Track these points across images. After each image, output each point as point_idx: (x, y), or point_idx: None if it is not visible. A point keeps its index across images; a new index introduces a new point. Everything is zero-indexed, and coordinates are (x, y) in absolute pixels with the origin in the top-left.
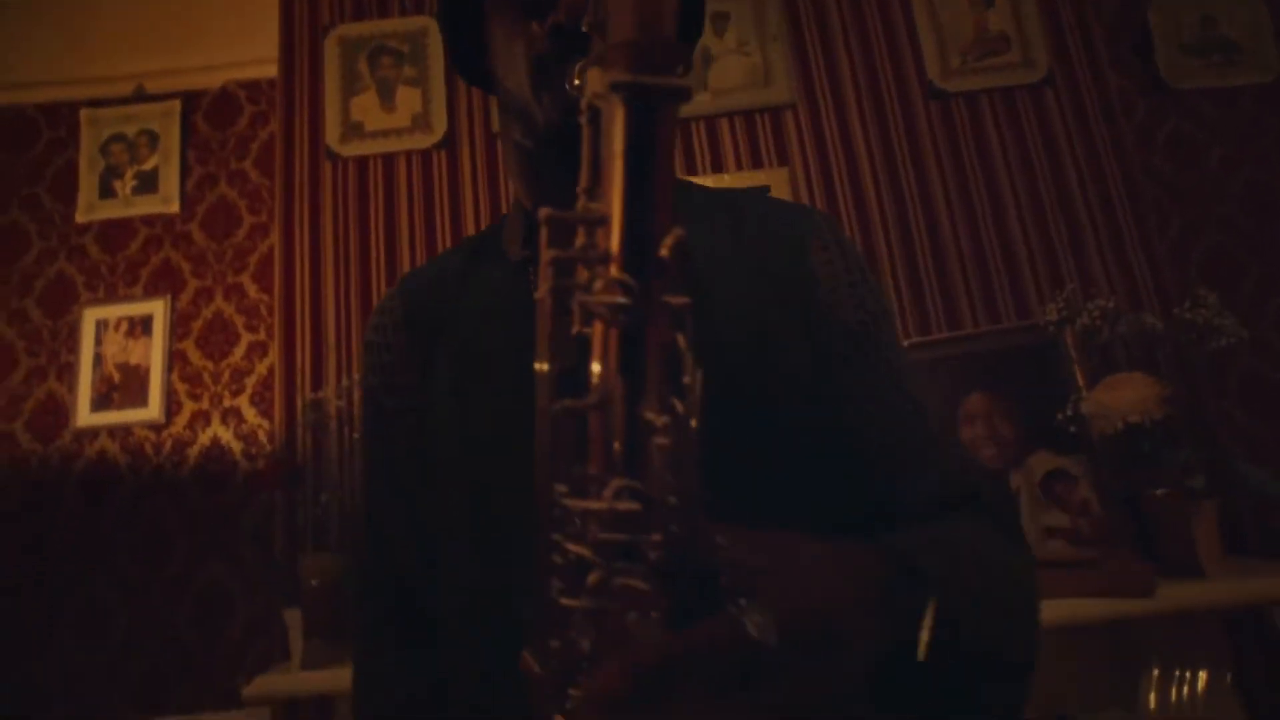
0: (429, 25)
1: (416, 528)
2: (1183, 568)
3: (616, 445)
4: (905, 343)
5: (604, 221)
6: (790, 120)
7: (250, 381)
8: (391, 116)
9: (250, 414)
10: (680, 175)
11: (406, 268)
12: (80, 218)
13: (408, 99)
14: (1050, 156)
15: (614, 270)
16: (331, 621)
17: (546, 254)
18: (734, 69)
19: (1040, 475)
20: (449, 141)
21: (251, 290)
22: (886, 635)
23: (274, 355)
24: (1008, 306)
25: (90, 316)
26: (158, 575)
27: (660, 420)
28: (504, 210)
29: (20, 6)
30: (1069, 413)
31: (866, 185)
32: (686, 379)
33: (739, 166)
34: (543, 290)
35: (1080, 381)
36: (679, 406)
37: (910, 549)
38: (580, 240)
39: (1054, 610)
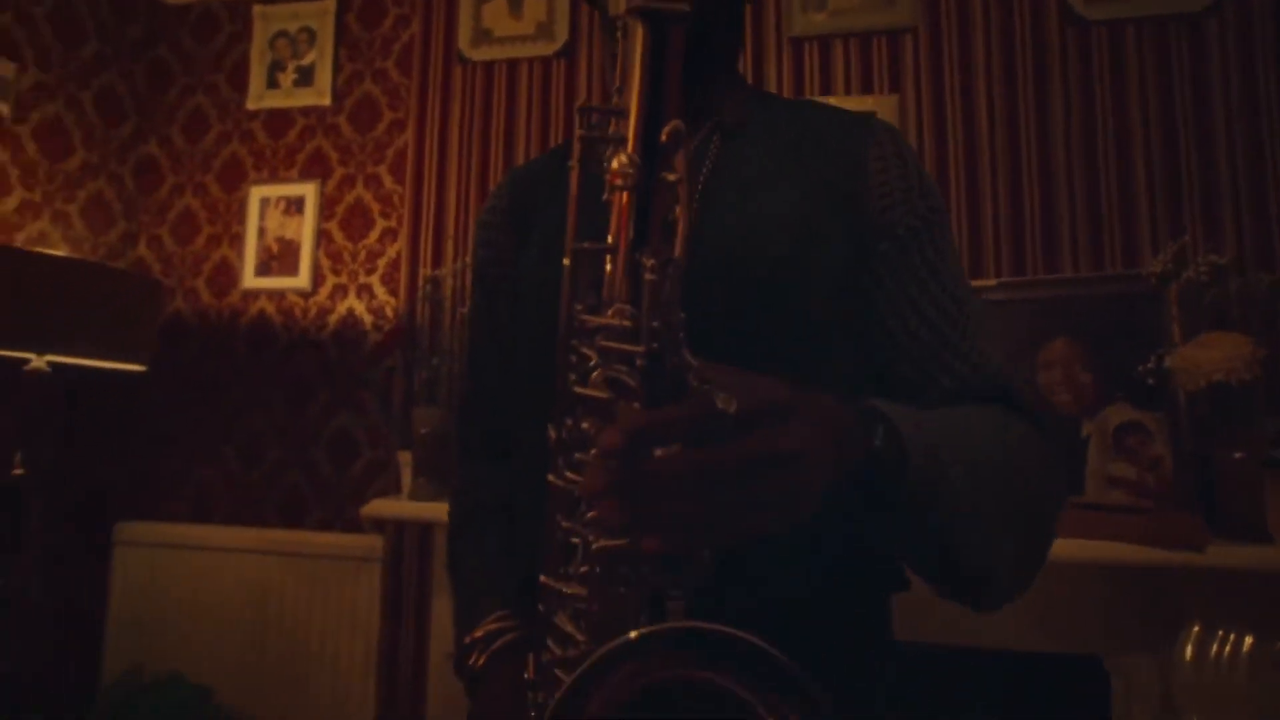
0: None
1: (505, 371)
2: (1249, 532)
3: (620, 279)
4: (993, 281)
5: (624, 114)
6: (909, 44)
7: (381, 263)
8: (518, 23)
9: (380, 291)
10: (789, 96)
11: None
12: (250, 105)
13: (534, 7)
14: (1197, 96)
15: (627, 150)
16: (436, 463)
17: (577, 133)
18: None
19: (1114, 425)
20: (569, 51)
21: (387, 181)
22: (844, 461)
23: (401, 237)
24: (1115, 254)
25: (256, 194)
26: (301, 416)
27: (649, 263)
28: None
29: None
30: (1150, 365)
31: (980, 117)
32: (679, 236)
33: (848, 90)
34: (574, 161)
35: (1177, 339)
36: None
37: (890, 408)
38: (611, 128)
39: (1099, 551)
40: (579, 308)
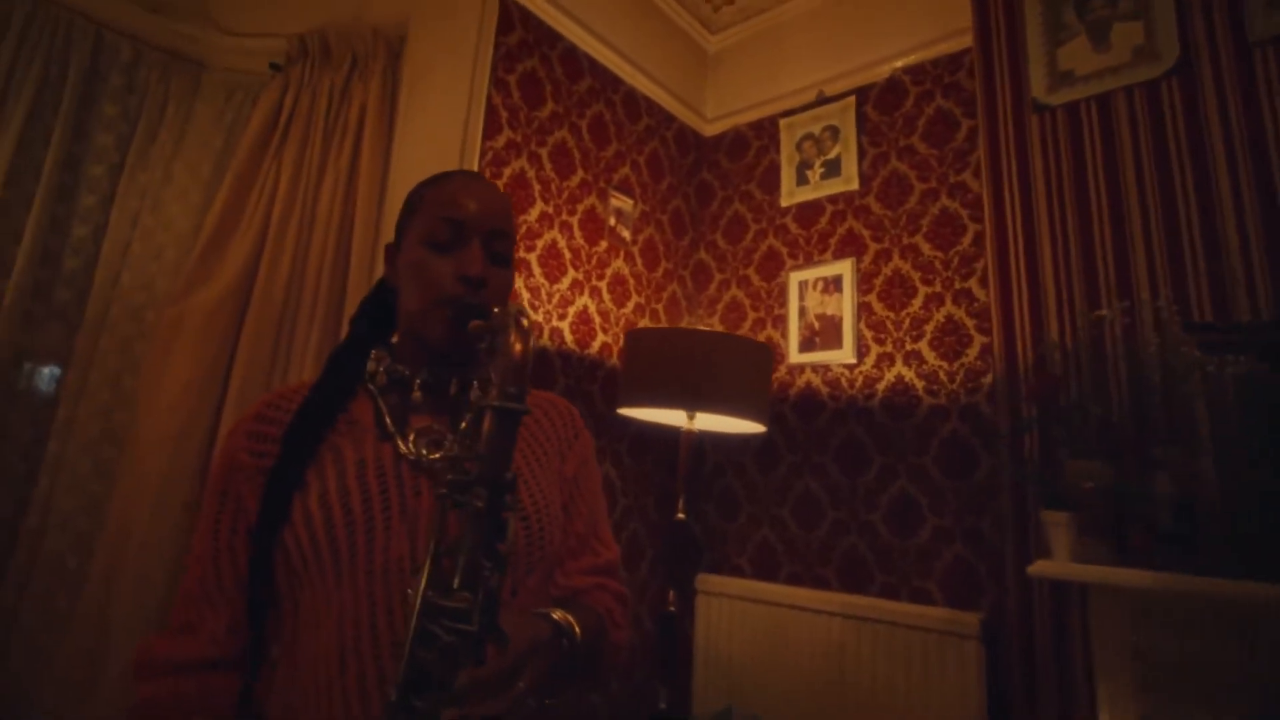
0: None
1: None
2: None
3: None
4: None
5: None
6: None
7: (929, 328)
8: (1106, 56)
9: (930, 356)
10: None
11: (1133, 207)
12: (783, 203)
13: (1125, 34)
14: None
15: None
16: (1101, 521)
17: None
18: None
19: None
20: (1183, 66)
21: (925, 249)
22: None
23: (948, 301)
24: None
25: (794, 279)
26: (856, 481)
27: None
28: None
29: (731, 63)
30: None
31: None
32: None
33: None
34: None
35: None
36: None
37: None
38: None
39: None
40: None
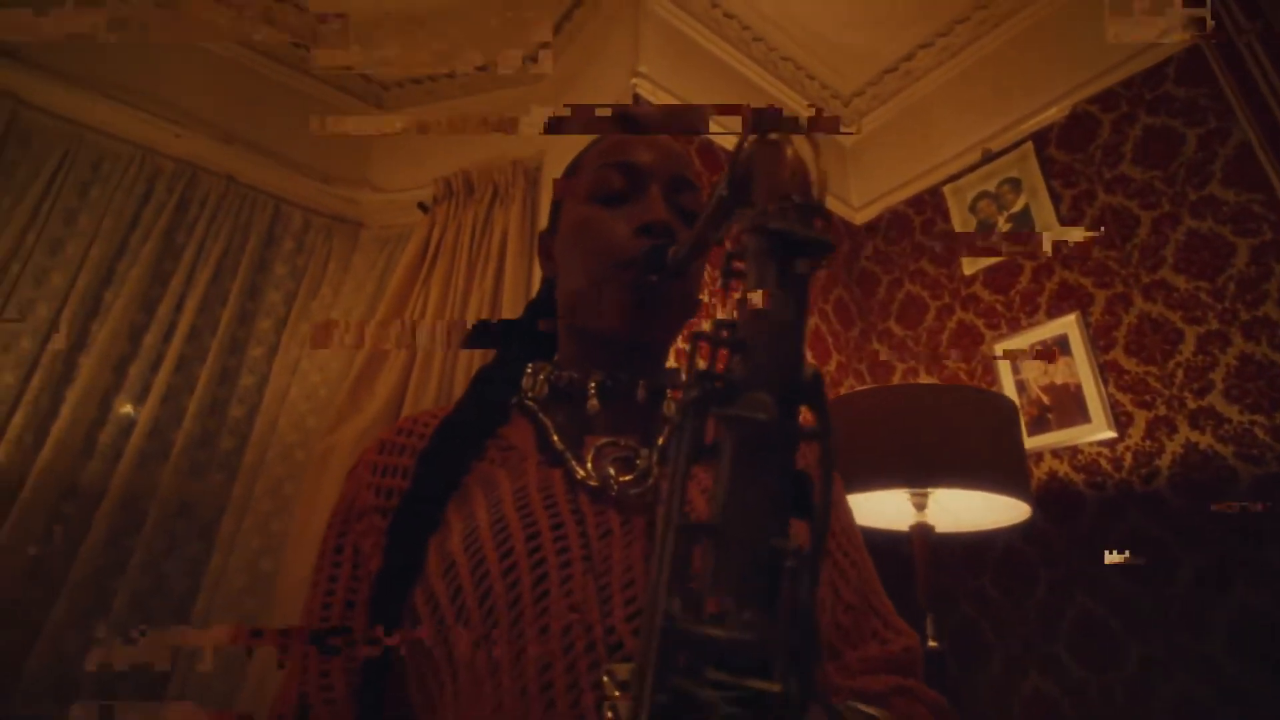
0: None
1: None
2: None
3: None
4: None
5: None
6: None
7: (1217, 377)
8: None
9: (1232, 411)
10: None
11: None
12: (966, 271)
13: None
14: None
15: None
16: None
17: None
18: None
19: None
20: None
21: (1179, 283)
22: None
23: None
24: None
25: (1001, 351)
26: (1162, 594)
27: None
28: None
29: (871, 149)
30: None
31: None
32: None
33: None
34: None
35: None
36: None
37: None
38: None
39: None
40: None
